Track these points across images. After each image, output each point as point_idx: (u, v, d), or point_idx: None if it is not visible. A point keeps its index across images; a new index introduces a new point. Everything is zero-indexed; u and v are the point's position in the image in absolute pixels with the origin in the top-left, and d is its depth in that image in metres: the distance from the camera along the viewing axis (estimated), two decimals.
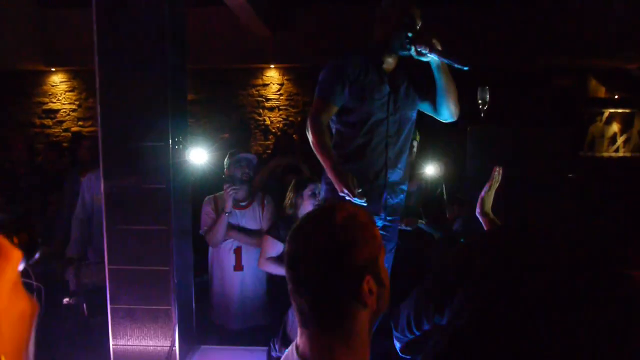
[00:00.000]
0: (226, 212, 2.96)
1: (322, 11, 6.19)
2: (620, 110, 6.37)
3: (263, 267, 2.89)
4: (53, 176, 4.41)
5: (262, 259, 2.87)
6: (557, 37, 5.41)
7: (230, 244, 3.05)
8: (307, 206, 2.82)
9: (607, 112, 6.37)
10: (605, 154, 6.41)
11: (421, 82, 2.33)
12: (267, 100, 7.14)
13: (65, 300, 3.23)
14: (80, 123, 7.32)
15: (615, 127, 6.41)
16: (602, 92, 6.74)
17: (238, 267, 3.04)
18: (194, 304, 2.63)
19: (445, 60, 2.10)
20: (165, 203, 2.29)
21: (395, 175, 2.29)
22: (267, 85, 7.12)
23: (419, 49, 2.12)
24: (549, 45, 5.44)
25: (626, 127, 6.39)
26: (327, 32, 6.08)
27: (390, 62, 2.28)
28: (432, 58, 2.13)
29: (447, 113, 2.29)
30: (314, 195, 2.85)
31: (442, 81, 2.21)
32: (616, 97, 6.65)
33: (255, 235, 3.06)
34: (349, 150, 2.24)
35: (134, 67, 2.24)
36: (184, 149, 2.43)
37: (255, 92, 7.15)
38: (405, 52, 2.18)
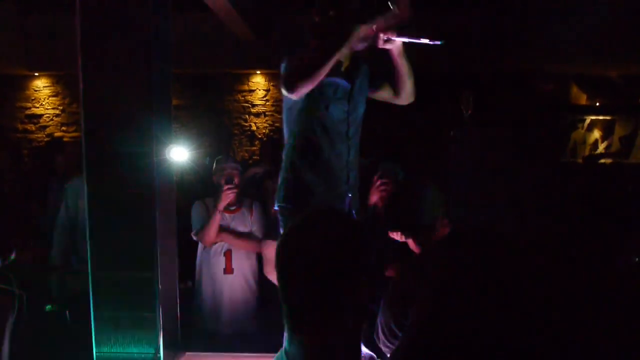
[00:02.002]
0: (219, 211, 2.98)
1: (306, 18, 6.21)
2: (601, 117, 6.49)
3: (271, 275, 2.88)
4: (38, 183, 4.36)
5: (269, 266, 2.86)
6: (539, 44, 5.50)
7: (220, 247, 3.07)
8: None
9: (589, 118, 6.48)
10: None
11: (373, 72, 2.24)
12: (254, 106, 7.14)
13: (48, 307, 3.19)
14: (63, 128, 7.25)
15: (596, 134, 6.52)
16: (583, 99, 6.85)
17: (228, 270, 3.07)
18: (178, 310, 2.62)
19: (417, 41, 1.97)
20: (149, 209, 2.27)
21: (354, 177, 2.20)
22: (253, 91, 7.12)
23: (386, 38, 1.98)
24: (531, 51, 5.52)
25: (607, 133, 6.50)
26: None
27: (346, 58, 2.14)
28: (395, 44, 2.01)
29: (409, 96, 2.22)
30: None
31: (405, 67, 2.12)
32: (597, 104, 6.77)
33: (245, 237, 3.09)
34: (311, 159, 2.10)
35: (118, 72, 2.23)
36: (168, 154, 2.43)
37: (241, 97, 7.14)
38: (361, 46, 2.03)
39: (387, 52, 2.09)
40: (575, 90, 6.86)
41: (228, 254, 3.07)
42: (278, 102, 7.11)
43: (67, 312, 3.15)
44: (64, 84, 7.19)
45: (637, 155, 6.46)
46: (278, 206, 2.18)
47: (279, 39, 6.25)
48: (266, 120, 7.14)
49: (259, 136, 7.07)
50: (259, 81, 7.09)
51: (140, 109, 2.24)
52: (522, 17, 5.65)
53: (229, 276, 3.06)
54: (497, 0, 5.55)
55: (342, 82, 2.11)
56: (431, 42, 1.94)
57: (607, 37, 5.06)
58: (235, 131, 7.15)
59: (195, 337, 2.99)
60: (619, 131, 6.47)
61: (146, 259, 2.29)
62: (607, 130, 6.49)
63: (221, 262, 3.07)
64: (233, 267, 3.07)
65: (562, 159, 6.50)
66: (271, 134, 7.07)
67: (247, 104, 7.14)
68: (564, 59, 5.85)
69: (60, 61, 6.06)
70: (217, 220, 3.00)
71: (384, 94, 2.28)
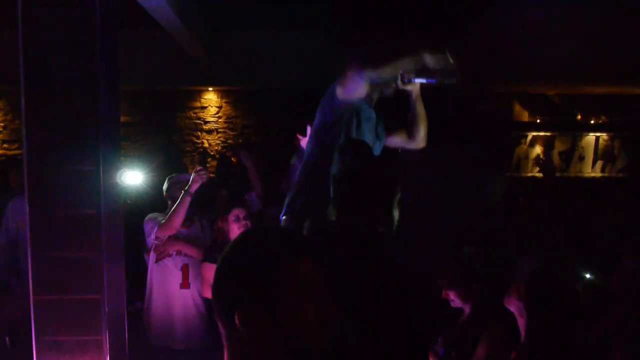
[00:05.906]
0: (190, 193, 2.94)
1: (258, 35, 6.25)
2: (542, 133, 6.81)
3: (208, 295, 2.87)
4: None
5: (206, 286, 2.85)
6: (482, 64, 5.73)
7: (177, 262, 3.05)
8: (234, 230, 2.91)
9: (531, 135, 6.79)
10: (530, 174, 6.82)
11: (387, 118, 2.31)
12: (206, 122, 7.09)
13: None
14: (5, 146, 6.96)
15: (538, 149, 6.83)
16: (525, 116, 7.18)
17: (185, 284, 3.04)
18: (126, 332, 2.55)
19: (433, 81, 2.05)
20: (95, 229, 2.21)
21: None
22: (206, 107, 7.07)
23: (405, 80, 2.06)
24: (474, 71, 5.75)
25: (548, 149, 6.83)
26: (265, 56, 6.14)
27: (377, 96, 2.22)
28: (414, 86, 2.11)
29: (422, 140, 2.30)
30: (238, 219, 2.97)
31: (421, 109, 2.22)
32: (538, 121, 7.10)
33: (200, 246, 3.12)
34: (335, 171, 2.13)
35: (62, 89, 2.18)
36: (115, 172, 2.38)
37: (193, 114, 7.08)
38: (388, 90, 2.11)
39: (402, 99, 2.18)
40: (517, 107, 7.18)
41: (185, 269, 3.05)
42: (230, 118, 7.09)
43: (6, 337, 3.01)
44: (5, 100, 6.92)
45: (576, 169, 6.81)
46: (286, 215, 2.16)
47: (231, 56, 6.26)
48: (218, 137, 7.09)
49: (212, 153, 7.01)
50: (211, 98, 7.05)
51: (85, 126, 2.19)
52: (466, 39, 5.89)
53: (185, 291, 3.04)
54: (441, 21, 5.77)
55: (372, 114, 2.16)
56: (446, 82, 2.01)
57: (545, 58, 5.35)
58: (187, 148, 7.07)
59: (146, 356, 2.93)
60: (558, 146, 6.80)
61: (92, 281, 2.23)
62: (548, 145, 6.81)
63: (177, 277, 3.04)
64: (189, 281, 3.05)
65: (508, 173, 6.76)
66: (224, 150, 7.03)
67: (199, 121, 7.08)
68: (505, 78, 6.12)
69: (1, 76, 5.84)
70: (186, 203, 2.94)
71: (398, 140, 2.37)
